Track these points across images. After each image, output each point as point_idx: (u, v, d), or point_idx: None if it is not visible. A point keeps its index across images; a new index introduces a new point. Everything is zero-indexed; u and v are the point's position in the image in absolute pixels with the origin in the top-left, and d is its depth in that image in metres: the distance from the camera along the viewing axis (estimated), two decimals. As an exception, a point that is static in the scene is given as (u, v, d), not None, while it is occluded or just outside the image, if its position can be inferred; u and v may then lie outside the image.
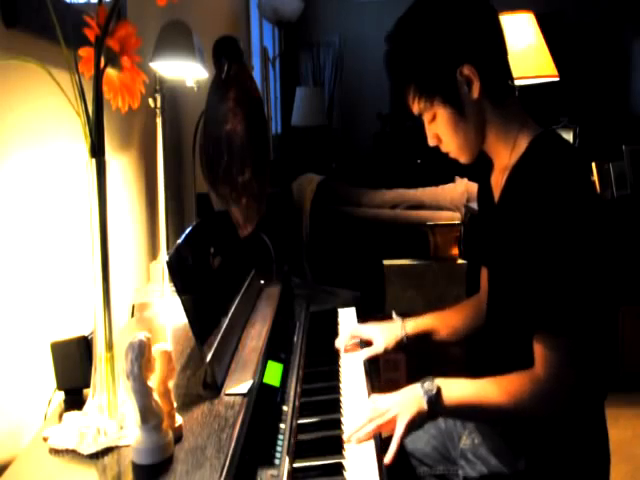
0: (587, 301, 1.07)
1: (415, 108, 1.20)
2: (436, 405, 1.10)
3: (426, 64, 1.15)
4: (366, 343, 1.46)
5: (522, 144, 1.15)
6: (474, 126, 1.17)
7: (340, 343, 1.47)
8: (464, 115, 1.16)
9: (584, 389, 1.08)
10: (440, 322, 1.46)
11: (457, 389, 1.13)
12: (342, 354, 1.44)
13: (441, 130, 1.19)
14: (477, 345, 1.38)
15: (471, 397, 1.12)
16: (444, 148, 1.22)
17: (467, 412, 1.15)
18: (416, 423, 1.10)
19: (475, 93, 1.14)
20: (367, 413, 1.11)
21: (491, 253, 1.27)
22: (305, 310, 1.65)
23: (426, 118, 1.20)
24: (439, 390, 1.11)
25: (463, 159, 1.23)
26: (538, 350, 1.08)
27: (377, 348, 1.43)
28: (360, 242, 3.44)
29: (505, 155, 1.18)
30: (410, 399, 1.12)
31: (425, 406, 1.10)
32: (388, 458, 1.06)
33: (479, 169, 1.32)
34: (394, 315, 1.48)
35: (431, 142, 1.23)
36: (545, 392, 1.07)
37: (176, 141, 2.16)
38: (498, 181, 1.21)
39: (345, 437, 1.07)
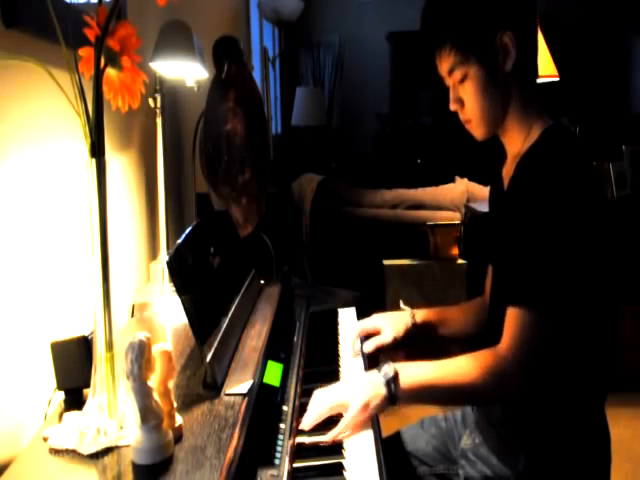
0: (564, 282, 1.07)
1: (446, 65, 1.18)
2: (395, 389, 1.08)
3: (470, 19, 1.15)
4: (368, 338, 1.43)
5: (535, 133, 1.16)
6: (499, 98, 1.17)
7: (348, 344, 1.45)
8: (494, 83, 1.16)
9: (542, 368, 1.08)
10: (448, 317, 1.46)
11: (415, 371, 1.11)
12: (343, 354, 1.44)
13: (468, 93, 1.18)
14: (477, 345, 1.38)
15: (430, 378, 1.11)
16: (464, 115, 1.21)
17: (428, 394, 1.12)
18: (372, 408, 1.07)
19: (509, 65, 1.14)
20: (326, 402, 1.08)
21: (497, 247, 1.27)
22: (305, 310, 1.65)
23: (454, 78, 1.18)
24: (396, 374, 1.09)
25: (479, 132, 1.21)
26: (507, 324, 1.08)
27: (385, 338, 1.40)
28: (360, 242, 3.44)
29: (518, 142, 1.19)
30: (368, 384, 1.10)
31: (384, 390, 1.08)
32: (327, 438, 1.04)
33: (493, 161, 1.32)
34: (402, 305, 1.47)
35: (452, 106, 1.22)
36: (502, 364, 1.07)
37: (176, 141, 2.16)
38: (509, 170, 1.22)
39: (303, 426, 1.06)
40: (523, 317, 1.07)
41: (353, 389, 1.10)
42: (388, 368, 1.10)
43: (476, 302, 1.46)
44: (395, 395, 1.08)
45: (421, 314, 1.44)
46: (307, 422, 1.07)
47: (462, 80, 1.17)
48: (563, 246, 1.06)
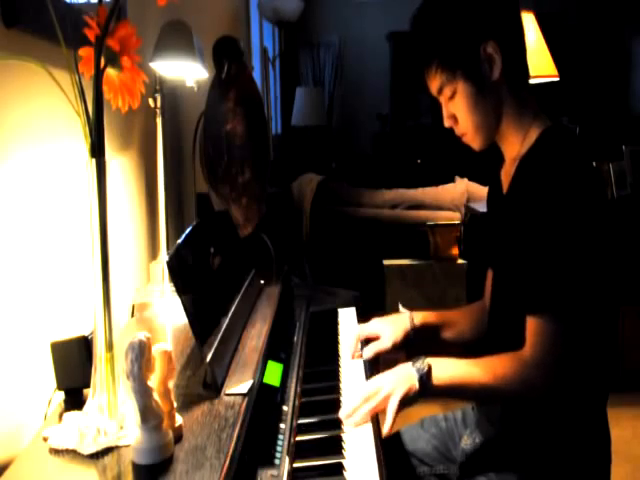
0: (580, 288, 1.08)
1: (435, 84, 1.19)
2: (427, 383, 1.10)
3: (452, 36, 1.15)
4: (367, 343, 1.44)
5: (533, 135, 1.16)
6: (492, 108, 1.17)
7: (346, 348, 1.44)
8: (483, 94, 1.16)
9: (568, 374, 1.08)
10: (447, 320, 1.45)
11: (447, 368, 1.13)
12: (343, 354, 1.44)
13: (459, 108, 1.18)
14: (477, 345, 1.38)
15: (460, 377, 1.13)
16: (459, 129, 1.21)
17: (456, 391, 1.15)
18: (408, 400, 1.10)
19: (496, 73, 1.15)
20: (361, 393, 1.12)
21: (497, 249, 1.27)
22: (305, 310, 1.65)
23: (445, 96, 1.19)
24: (430, 368, 1.11)
25: (477, 143, 1.22)
26: (529, 330, 1.09)
27: (384, 344, 1.39)
28: (360, 242, 3.45)
29: (516, 145, 1.19)
30: (402, 376, 1.12)
31: (416, 384, 1.10)
32: (385, 430, 1.07)
33: (492, 163, 1.32)
34: (401, 308, 1.47)
35: (447, 123, 1.22)
36: (527, 371, 1.08)
37: (176, 141, 2.16)
38: (508, 172, 1.22)
39: (341, 416, 1.09)
40: (545, 326, 1.07)
41: (389, 383, 1.12)
42: (422, 363, 1.12)
43: (476, 306, 1.45)
44: (426, 389, 1.11)
45: (420, 317, 1.43)
46: (344, 413, 1.10)
47: (452, 96, 1.18)
48: (573, 250, 1.06)
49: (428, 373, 1.11)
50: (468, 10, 1.16)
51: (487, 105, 1.17)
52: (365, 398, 1.11)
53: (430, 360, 1.13)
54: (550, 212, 1.07)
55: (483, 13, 1.15)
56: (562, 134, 1.16)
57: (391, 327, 1.42)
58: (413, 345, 1.42)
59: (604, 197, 1.15)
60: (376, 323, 1.44)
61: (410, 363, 1.13)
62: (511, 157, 1.21)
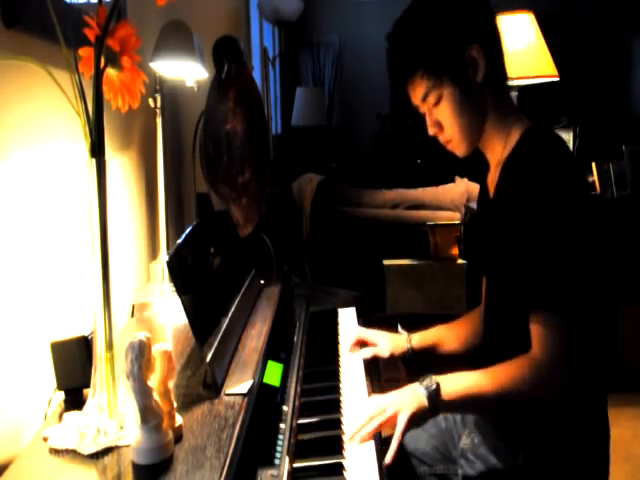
0: (577, 283, 1.08)
1: (419, 92, 1.18)
2: (436, 400, 1.09)
3: (437, 41, 1.16)
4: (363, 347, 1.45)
5: (515, 136, 1.17)
6: (476, 112, 1.18)
7: (345, 346, 1.46)
8: (469, 97, 1.16)
9: (580, 372, 1.08)
10: (447, 334, 1.45)
11: (456, 381, 1.12)
12: (343, 354, 1.44)
13: (445, 114, 1.18)
14: (477, 354, 1.38)
15: (470, 387, 1.11)
16: (445, 136, 1.21)
17: (468, 403, 1.13)
18: (416, 419, 1.08)
19: (480, 76, 1.15)
20: (367, 411, 1.10)
21: (488, 253, 1.27)
22: (305, 310, 1.65)
23: (429, 103, 1.18)
24: (438, 385, 1.09)
25: (461, 149, 1.22)
26: (535, 331, 1.08)
27: (382, 350, 1.42)
28: (360, 242, 3.44)
29: (499, 149, 1.19)
30: (409, 396, 1.10)
31: (425, 402, 1.08)
32: (389, 456, 1.04)
33: (478, 169, 1.32)
34: (400, 328, 1.48)
35: (431, 131, 1.22)
36: (544, 372, 1.07)
37: (176, 141, 2.16)
38: (493, 177, 1.23)
39: (346, 437, 1.06)
40: (549, 323, 1.07)
41: (396, 402, 1.10)
42: (429, 381, 1.10)
43: (476, 314, 1.45)
44: (437, 406, 1.09)
45: (417, 339, 1.44)
46: (349, 433, 1.07)
47: (437, 103, 1.17)
48: (565, 246, 1.07)
49: (437, 389, 1.09)
50: (451, 15, 1.16)
51: (472, 108, 1.17)
52: (371, 417, 1.08)
53: (438, 377, 1.11)
54: (538, 212, 1.07)
55: (465, 17, 1.16)
56: (543, 134, 1.16)
57: (390, 341, 1.44)
58: (411, 362, 1.44)
59: (588, 192, 1.16)
60: (377, 332, 1.47)
61: (417, 383, 1.11)
62: (495, 162, 1.22)
